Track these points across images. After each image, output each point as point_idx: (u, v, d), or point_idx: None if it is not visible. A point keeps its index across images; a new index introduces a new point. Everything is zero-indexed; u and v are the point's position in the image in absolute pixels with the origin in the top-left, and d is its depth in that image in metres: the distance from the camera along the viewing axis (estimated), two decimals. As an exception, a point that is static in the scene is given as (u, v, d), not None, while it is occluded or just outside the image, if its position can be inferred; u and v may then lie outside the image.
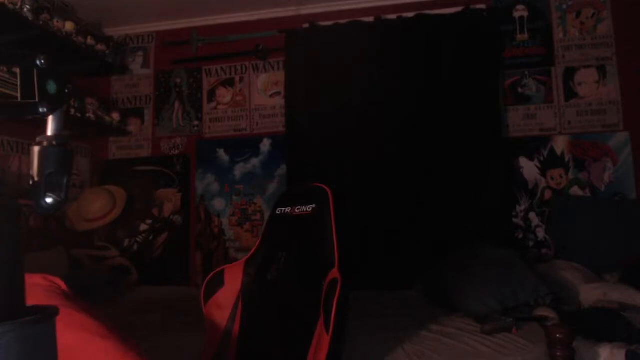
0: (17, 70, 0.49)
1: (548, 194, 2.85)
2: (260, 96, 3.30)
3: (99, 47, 3.00)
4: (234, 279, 1.60)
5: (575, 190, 2.83)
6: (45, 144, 0.49)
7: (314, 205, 1.57)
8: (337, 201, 1.54)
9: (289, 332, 1.42)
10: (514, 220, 2.87)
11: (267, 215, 3.16)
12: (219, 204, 3.26)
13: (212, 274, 1.61)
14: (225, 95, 3.35)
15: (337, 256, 1.41)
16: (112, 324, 0.86)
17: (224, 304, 1.56)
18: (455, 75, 2.91)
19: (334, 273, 1.34)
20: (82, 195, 2.88)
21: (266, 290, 1.56)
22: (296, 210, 1.61)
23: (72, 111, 2.81)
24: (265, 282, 1.56)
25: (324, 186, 1.59)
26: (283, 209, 1.67)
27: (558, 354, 1.43)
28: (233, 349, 1.49)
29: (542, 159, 2.89)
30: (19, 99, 0.48)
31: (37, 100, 0.49)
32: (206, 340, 1.53)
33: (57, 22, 2.65)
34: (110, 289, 2.40)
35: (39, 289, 0.85)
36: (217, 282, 1.60)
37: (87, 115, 2.95)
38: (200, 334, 1.59)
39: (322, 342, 1.25)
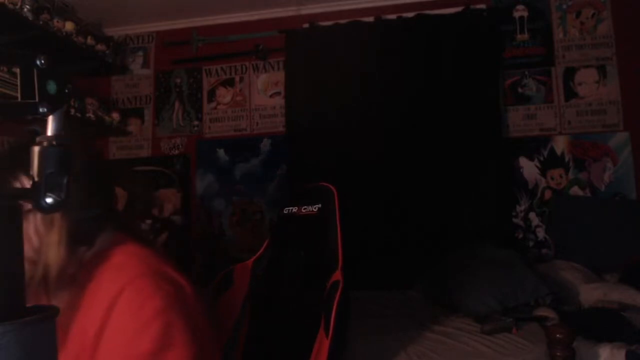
0: (17, 70, 0.49)
1: (548, 194, 2.85)
2: (260, 96, 3.30)
3: (99, 47, 3.00)
4: (242, 279, 1.60)
5: (575, 190, 2.83)
6: (45, 144, 0.49)
7: (319, 205, 1.55)
8: (342, 201, 1.53)
9: (294, 333, 1.42)
10: (514, 220, 2.87)
11: (267, 215, 3.17)
12: (219, 204, 3.26)
13: (222, 273, 1.61)
14: (225, 95, 3.35)
15: (340, 258, 1.40)
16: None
17: (232, 303, 1.56)
18: (455, 75, 2.91)
19: (337, 275, 1.33)
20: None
21: (272, 290, 1.55)
22: (302, 210, 1.59)
23: (72, 111, 2.81)
24: (271, 283, 1.56)
25: (329, 185, 1.58)
26: (290, 208, 1.65)
27: (558, 354, 1.43)
28: (240, 349, 1.49)
29: (542, 159, 2.89)
30: (19, 99, 0.48)
31: (37, 100, 0.48)
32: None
33: (57, 22, 2.64)
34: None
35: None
36: (227, 282, 1.59)
37: (87, 115, 2.94)
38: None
39: (322, 344, 1.25)
